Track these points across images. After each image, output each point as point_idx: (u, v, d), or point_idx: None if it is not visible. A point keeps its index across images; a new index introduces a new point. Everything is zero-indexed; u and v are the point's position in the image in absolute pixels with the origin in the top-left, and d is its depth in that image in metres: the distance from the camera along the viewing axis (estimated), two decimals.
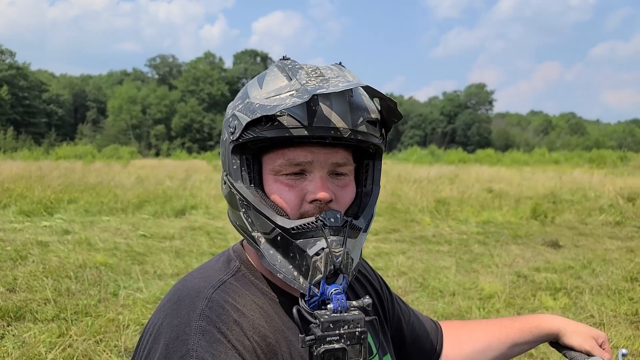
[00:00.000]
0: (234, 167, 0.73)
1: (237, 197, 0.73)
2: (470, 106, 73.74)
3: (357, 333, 0.63)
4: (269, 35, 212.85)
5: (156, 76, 76.80)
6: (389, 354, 0.91)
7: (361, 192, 0.80)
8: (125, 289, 4.44)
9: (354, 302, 0.67)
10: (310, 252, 0.67)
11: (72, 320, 3.60)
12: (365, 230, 0.76)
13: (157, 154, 52.20)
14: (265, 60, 76.17)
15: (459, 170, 18.99)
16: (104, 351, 3.19)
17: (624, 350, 0.97)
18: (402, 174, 15.89)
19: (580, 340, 1.00)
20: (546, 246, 6.88)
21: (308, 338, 0.61)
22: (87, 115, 66.35)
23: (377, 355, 0.84)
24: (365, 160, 0.81)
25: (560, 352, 1.04)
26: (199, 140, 60.89)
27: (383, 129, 0.78)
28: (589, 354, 0.99)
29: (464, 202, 10.46)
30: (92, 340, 3.31)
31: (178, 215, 8.95)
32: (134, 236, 6.86)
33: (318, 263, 0.67)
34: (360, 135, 0.71)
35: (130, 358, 0.76)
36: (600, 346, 1.01)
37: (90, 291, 4.33)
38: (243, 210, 0.73)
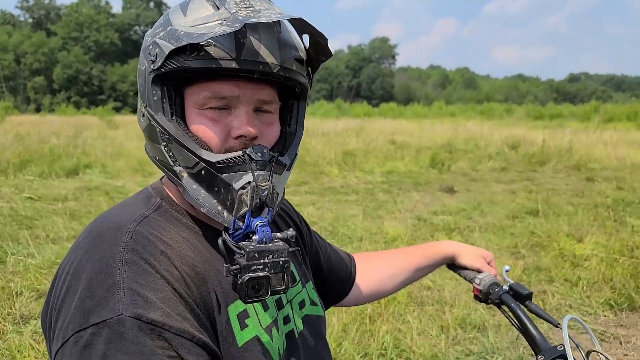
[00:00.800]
0: (155, 98, 0.69)
1: (158, 130, 0.69)
2: (374, 60, 75.81)
3: (280, 262, 0.64)
4: None
5: (30, 20, 67.19)
6: (310, 281, 0.95)
7: (285, 132, 0.79)
8: (14, 255, 4.02)
9: (278, 234, 0.67)
10: (236, 185, 0.67)
11: None
12: (289, 169, 0.76)
13: (38, 110, 46.76)
14: (159, 6, 70.16)
15: (364, 124, 19.69)
16: None
17: (507, 267, 1.13)
18: (310, 127, 16.00)
19: (471, 260, 1.15)
20: (443, 192, 7.49)
21: (233, 267, 0.62)
22: None
23: (300, 282, 0.89)
24: (290, 100, 0.79)
25: (455, 272, 1.18)
26: (88, 94, 55.36)
27: (309, 69, 0.76)
28: (479, 271, 1.13)
29: (369, 153, 10.90)
30: None
31: (70, 175, 8.24)
32: (18, 199, 6.16)
33: (244, 197, 0.66)
34: (288, 73, 0.69)
35: (41, 311, 0.69)
36: (488, 264, 1.16)
37: None
38: (164, 143, 0.70)
